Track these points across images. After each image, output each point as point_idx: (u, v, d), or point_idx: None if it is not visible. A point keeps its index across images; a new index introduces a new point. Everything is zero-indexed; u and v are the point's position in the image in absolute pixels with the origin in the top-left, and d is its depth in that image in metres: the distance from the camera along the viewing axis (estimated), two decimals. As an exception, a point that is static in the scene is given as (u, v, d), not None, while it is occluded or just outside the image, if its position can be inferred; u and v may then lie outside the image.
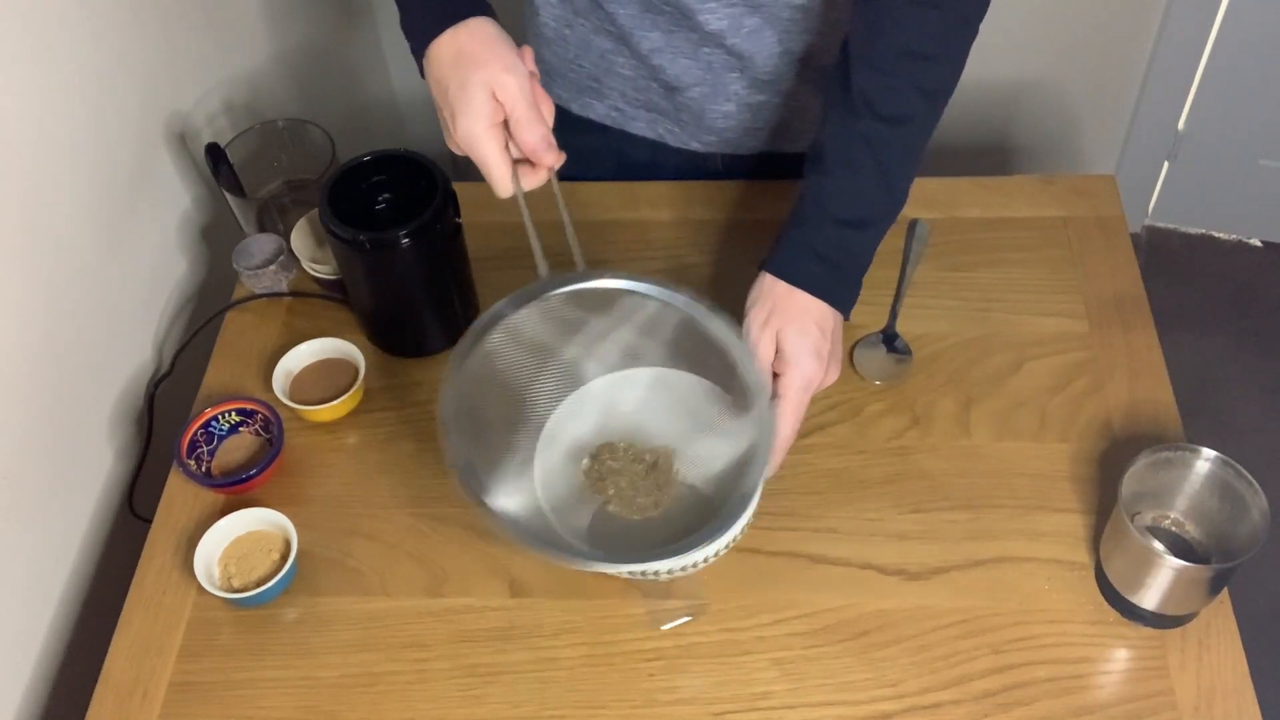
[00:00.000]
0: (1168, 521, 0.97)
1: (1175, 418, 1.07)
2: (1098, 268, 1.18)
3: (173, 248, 1.30)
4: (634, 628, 0.97)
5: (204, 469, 1.08)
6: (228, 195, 1.22)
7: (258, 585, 0.99)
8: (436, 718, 0.94)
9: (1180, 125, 2.21)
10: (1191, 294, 2.29)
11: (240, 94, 1.46)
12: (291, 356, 1.13)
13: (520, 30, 1.24)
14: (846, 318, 0.98)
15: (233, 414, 1.10)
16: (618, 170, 1.29)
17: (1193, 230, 2.39)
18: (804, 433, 0.97)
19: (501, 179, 0.91)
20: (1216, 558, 0.94)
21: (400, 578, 1.01)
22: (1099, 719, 0.91)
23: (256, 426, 1.10)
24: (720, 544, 0.90)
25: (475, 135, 0.90)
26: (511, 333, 0.89)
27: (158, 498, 1.08)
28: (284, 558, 1.01)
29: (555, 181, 0.94)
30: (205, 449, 1.09)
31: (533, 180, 0.93)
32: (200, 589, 1.00)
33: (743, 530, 0.92)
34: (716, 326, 0.89)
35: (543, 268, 0.88)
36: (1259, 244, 2.37)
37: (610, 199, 1.27)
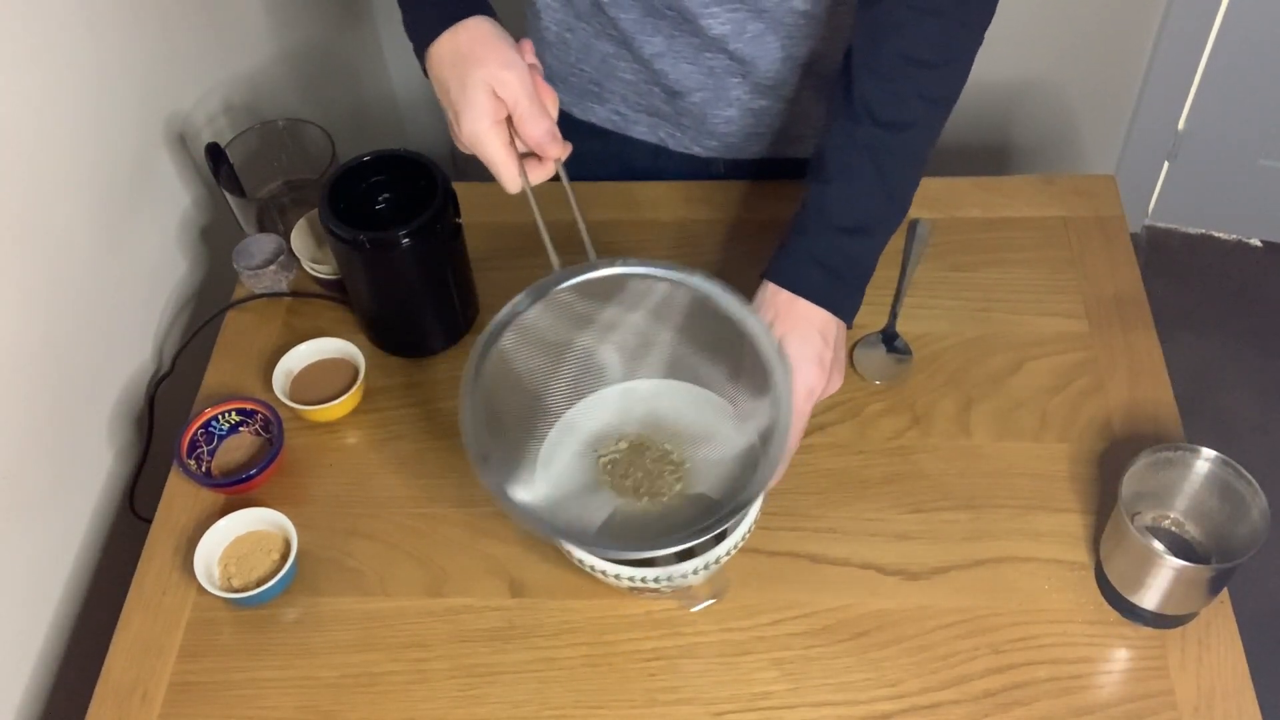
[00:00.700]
0: (1168, 521, 0.97)
1: (1175, 418, 1.07)
2: (1098, 268, 1.18)
3: (173, 248, 1.30)
4: (634, 628, 0.97)
5: (204, 469, 1.08)
6: (228, 195, 1.22)
7: (258, 585, 0.99)
8: (436, 718, 0.94)
9: (1180, 125, 2.21)
10: (1191, 294, 2.29)
11: (240, 94, 1.47)
12: (291, 356, 1.13)
13: (522, 34, 1.24)
14: (849, 325, 0.98)
15: (233, 414, 1.10)
16: (620, 175, 1.29)
17: (1193, 230, 2.39)
18: (804, 433, 0.97)
19: (509, 175, 0.92)
20: (1216, 558, 0.94)
21: (400, 578, 1.01)
22: (1099, 719, 0.91)
23: (256, 426, 1.10)
24: (731, 542, 0.90)
25: (479, 134, 0.91)
26: (530, 327, 0.88)
27: (158, 498, 1.08)
28: (284, 558, 1.01)
29: (564, 173, 0.94)
30: (205, 449, 1.09)
31: (540, 173, 0.93)
32: (200, 589, 1.00)
33: (750, 528, 0.91)
34: (730, 303, 0.88)
35: (555, 261, 0.88)
36: (1259, 244, 2.37)
37: (611, 199, 1.27)
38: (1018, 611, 0.96)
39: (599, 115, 1.26)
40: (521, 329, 0.88)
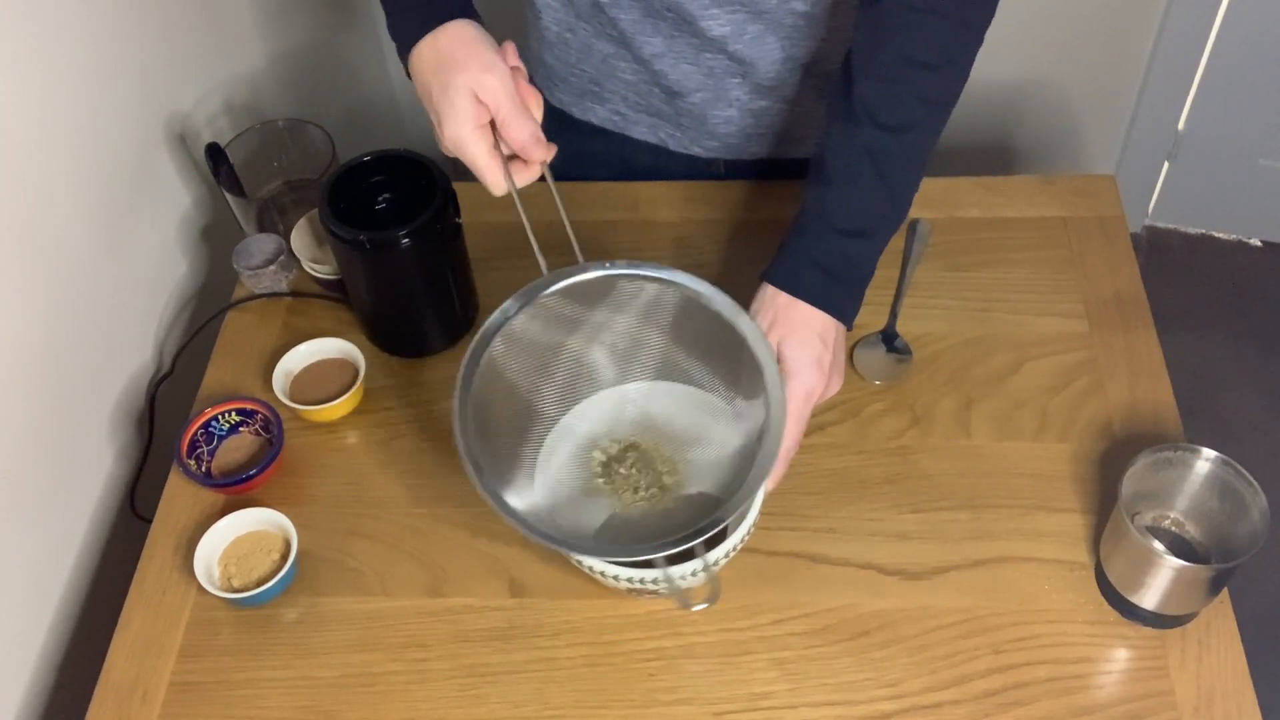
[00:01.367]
0: (1168, 521, 0.97)
1: (1175, 418, 1.07)
2: (1098, 268, 1.18)
3: (173, 248, 1.30)
4: (634, 628, 0.97)
5: (204, 469, 1.08)
6: (228, 195, 1.22)
7: (258, 585, 0.99)
8: (436, 718, 0.94)
9: (1180, 125, 2.21)
10: (1191, 294, 2.29)
11: (240, 94, 1.47)
12: (291, 356, 1.13)
13: (522, 34, 1.24)
14: (849, 328, 0.98)
15: (233, 414, 1.10)
16: (620, 175, 1.29)
17: (1193, 230, 2.39)
18: (804, 434, 0.97)
19: (494, 179, 0.91)
20: (1216, 558, 0.94)
21: (400, 578, 1.01)
22: (1099, 719, 0.91)
23: (256, 426, 1.10)
24: (731, 543, 0.90)
25: (461, 138, 0.91)
26: (520, 332, 0.89)
27: (159, 498, 1.08)
28: (284, 558, 1.01)
29: (549, 175, 0.94)
30: (205, 449, 1.09)
31: (525, 176, 0.93)
32: (200, 589, 1.00)
33: (750, 529, 0.91)
34: (723, 304, 0.88)
35: (543, 264, 0.88)
36: (1259, 244, 2.37)
37: (611, 199, 1.27)
38: (1018, 611, 0.96)
39: (599, 115, 1.26)
40: (511, 335, 0.88)
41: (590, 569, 0.91)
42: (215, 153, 1.21)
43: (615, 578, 0.90)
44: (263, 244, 1.19)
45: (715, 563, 0.90)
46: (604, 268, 0.88)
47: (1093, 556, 0.99)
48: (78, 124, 1.12)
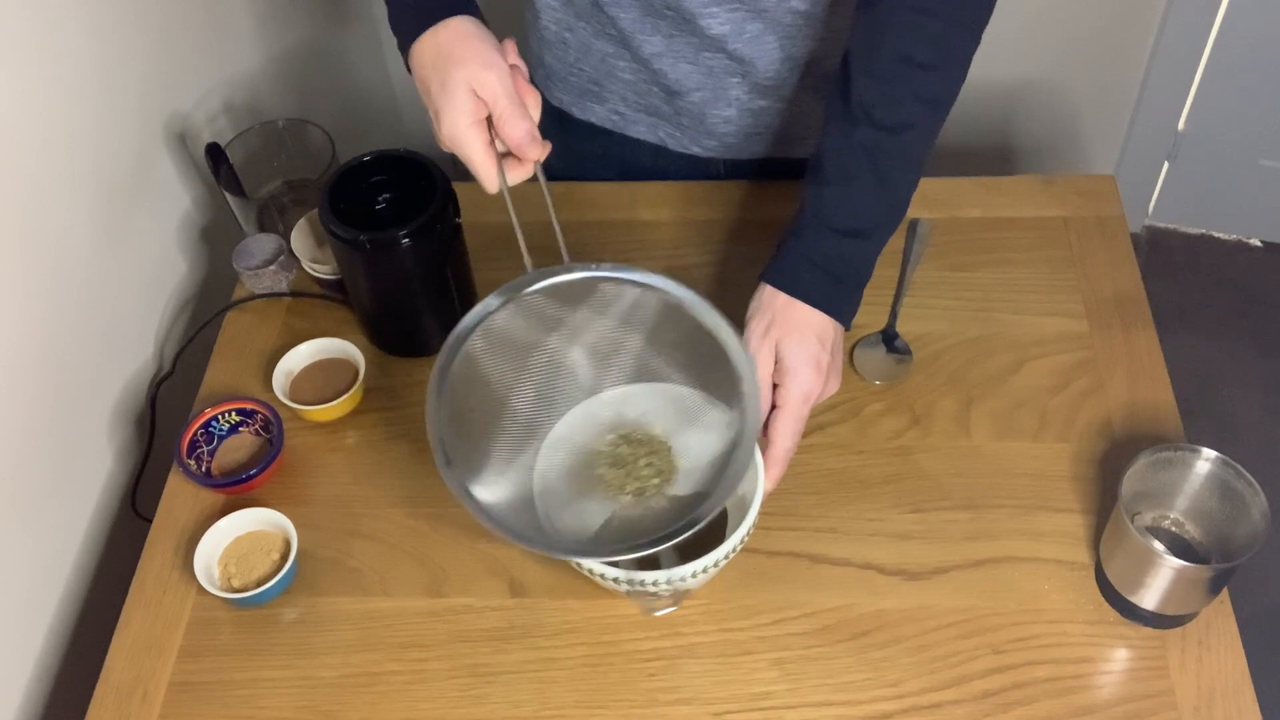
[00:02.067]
0: (1168, 521, 0.97)
1: (1175, 418, 1.07)
2: (1098, 268, 1.18)
3: (173, 248, 1.30)
4: (634, 628, 0.97)
5: (204, 469, 1.08)
6: (228, 195, 1.22)
7: (258, 585, 0.99)
8: (436, 718, 0.94)
9: (1180, 125, 2.21)
10: (1191, 294, 2.29)
11: (240, 94, 1.47)
12: (291, 356, 1.13)
13: (522, 33, 1.24)
14: (847, 328, 0.98)
15: (233, 414, 1.10)
16: (620, 175, 1.29)
17: (1193, 230, 2.39)
18: (804, 433, 0.97)
19: (487, 175, 0.91)
20: (1216, 558, 0.94)
21: (400, 578, 1.01)
22: (1099, 719, 0.91)
23: (256, 426, 1.10)
24: (731, 544, 0.89)
25: (458, 133, 0.91)
26: (499, 330, 0.88)
27: (159, 497, 1.08)
28: (284, 558, 1.01)
29: (541, 174, 0.94)
30: (205, 449, 1.09)
31: (518, 174, 0.93)
32: (200, 589, 1.00)
33: (750, 529, 0.91)
34: (703, 311, 0.88)
35: (528, 262, 0.88)
36: (1259, 244, 2.37)
37: (610, 199, 1.27)
38: (1018, 611, 0.96)
39: (598, 115, 1.26)
40: (490, 331, 0.88)
41: (590, 571, 0.91)
42: (215, 153, 1.21)
43: (615, 580, 0.90)
44: (263, 244, 1.19)
45: (715, 563, 0.90)
46: (588, 269, 0.88)
47: (1093, 556, 0.99)
48: (78, 124, 1.12)
